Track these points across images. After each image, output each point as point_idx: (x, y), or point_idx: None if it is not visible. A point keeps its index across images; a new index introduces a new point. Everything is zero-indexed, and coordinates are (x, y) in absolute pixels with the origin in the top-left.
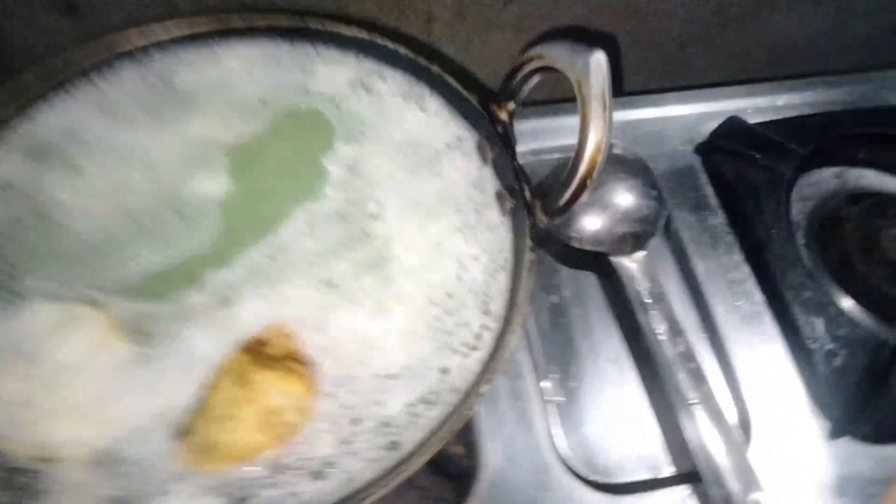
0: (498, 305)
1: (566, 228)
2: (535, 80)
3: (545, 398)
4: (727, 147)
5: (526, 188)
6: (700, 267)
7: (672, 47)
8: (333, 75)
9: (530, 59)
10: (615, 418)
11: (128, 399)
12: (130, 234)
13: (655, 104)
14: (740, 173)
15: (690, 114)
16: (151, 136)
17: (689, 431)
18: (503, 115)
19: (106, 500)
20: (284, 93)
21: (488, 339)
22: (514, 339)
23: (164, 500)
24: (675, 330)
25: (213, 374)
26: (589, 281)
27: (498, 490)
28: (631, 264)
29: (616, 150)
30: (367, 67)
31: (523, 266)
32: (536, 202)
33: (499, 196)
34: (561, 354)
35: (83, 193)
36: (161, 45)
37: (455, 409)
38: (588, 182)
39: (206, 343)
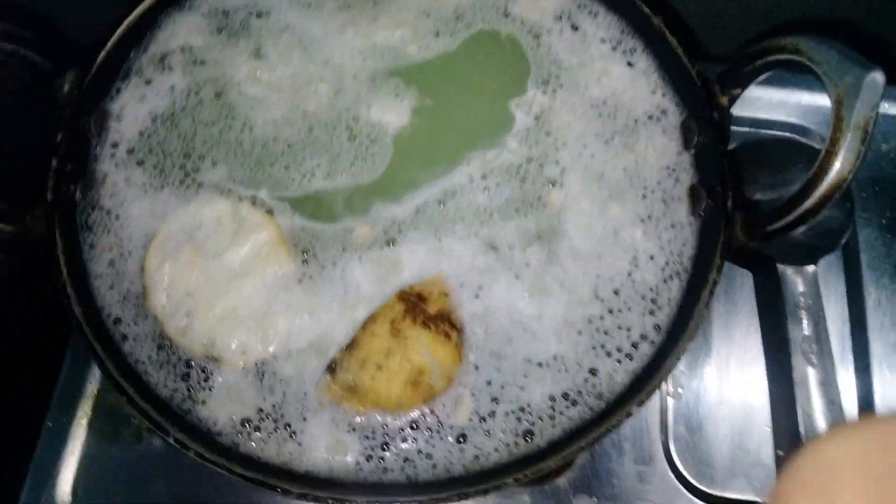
0: (664, 317)
1: None
2: (774, 71)
3: (668, 389)
4: None
5: (730, 195)
6: (872, 297)
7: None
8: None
9: (780, 48)
10: (733, 428)
11: (289, 318)
12: (305, 144)
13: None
14: None
15: None
16: (335, 28)
17: None
18: (724, 100)
19: (252, 409)
20: (483, 9)
21: (646, 351)
22: (677, 365)
23: (302, 424)
24: (824, 357)
25: (369, 315)
26: (744, 279)
27: (597, 468)
28: (796, 277)
29: (812, 142)
30: None
31: (705, 285)
32: (738, 215)
33: (693, 192)
34: (693, 348)
35: (264, 83)
36: None
37: (596, 419)
38: (813, 217)
39: (366, 280)
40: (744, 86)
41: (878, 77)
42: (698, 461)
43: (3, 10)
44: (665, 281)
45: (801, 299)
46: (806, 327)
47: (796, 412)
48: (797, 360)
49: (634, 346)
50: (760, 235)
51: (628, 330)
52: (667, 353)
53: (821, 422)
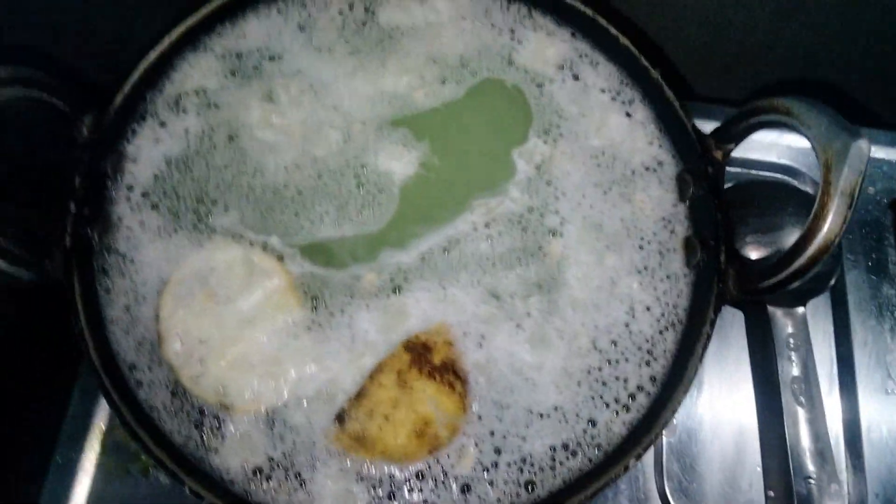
0: (660, 368)
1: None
2: (767, 129)
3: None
4: None
5: (723, 249)
6: (859, 338)
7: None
8: (543, 49)
9: (773, 109)
10: (725, 467)
11: (298, 365)
12: (314, 190)
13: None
14: None
15: None
16: (345, 73)
17: None
18: (718, 154)
19: (264, 458)
20: (488, 58)
21: (643, 402)
22: (672, 418)
23: (312, 473)
24: (814, 399)
25: (375, 364)
26: (735, 319)
27: None
28: (786, 318)
29: (802, 185)
30: (579, 48)
31: (699, 338)
32: (730, 270)
33: (688, 244)
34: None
35: (276, 128)
36: None
37: (595, 470)
38: (802, 276)
39: (372, 328)
40: (737, 141)
41: (863, 145)
42: (691, 500)
43: (25, 56)
44: (661, 332)
45: (791, 340)
46: (795, 368)
47: (786, 452)
48: (787, 400)
49: (631, 397)
50: (752, 291)
51: (625, 381)
52: (662, 405)
53: (809, 462)
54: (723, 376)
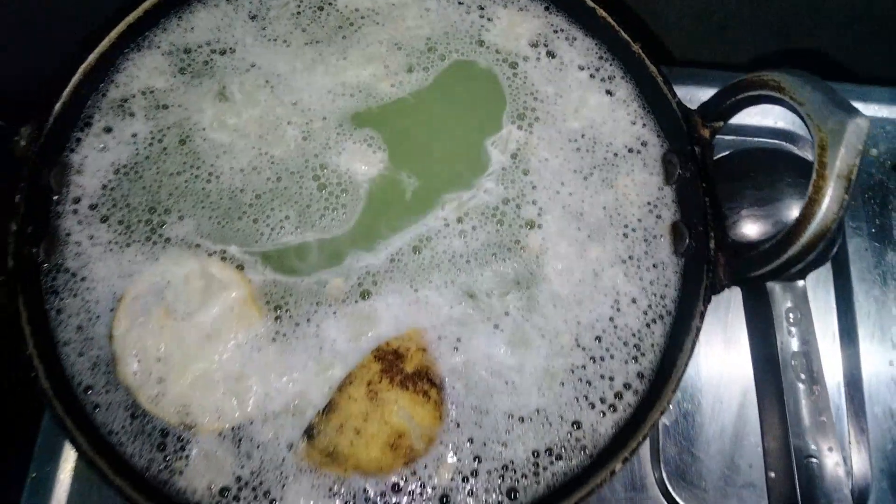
0: (648, 364)
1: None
2: (757, 105)
3: None
4: None
5: (712, 235)
6: (863, 308)
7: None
8: (515, 26)
9: (763, 84)
10: (723, 449)
11: (264, 380)
12: (273, 194)
13: (862, 98)
14: None
15: None
16: (303, 65)
17: (801, 486)
18: (705, 132)
19: (231, 477)
20: (456, 40)
21: (630, 401)
22: (660, 418)
23: (281, 491)
24: (815, 376)
25: (344, 375)
26: (733, 294)
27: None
28: (785, 293)
29: (802, 151)
30: (554, 23)
31: (689, 330)
32: (721, 256)
33: (675, 230)
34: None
35: (230, 128)
36: None
37: (581, 475)
38: (796, 264)
39: (341, 336)
40: (726, 118)
41: (861, 123)
42: (690, 485)
43: None
44: (648, 325)
45: (791, 315)
46: (795, 344)
47: (787, 432)
48: (787, 377)
49: (618, 395)
50: (744, 280)
51: (611, 379)
52: (651, 403)
53: (811, 441)
54: (721, 355)
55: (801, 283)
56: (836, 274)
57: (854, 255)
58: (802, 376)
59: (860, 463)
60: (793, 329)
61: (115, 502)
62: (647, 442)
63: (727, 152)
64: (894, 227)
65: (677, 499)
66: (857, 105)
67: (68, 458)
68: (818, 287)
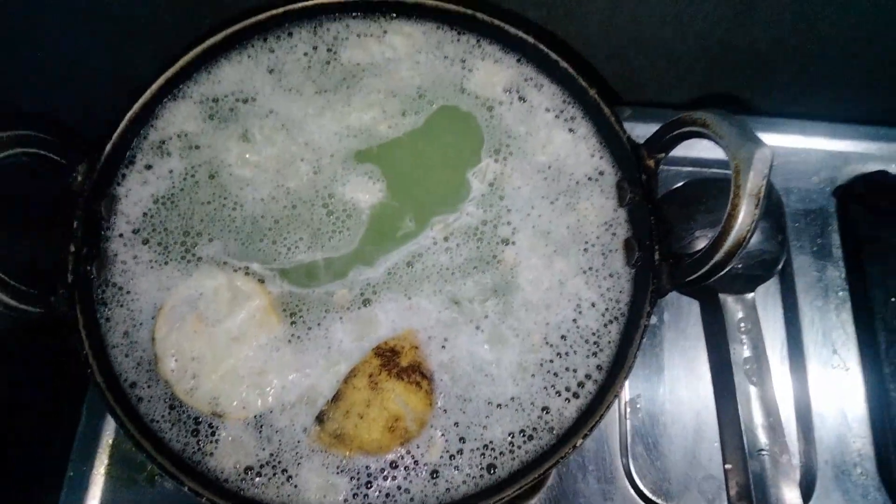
0: (605, 357)
1: (682, 251)
2: (692, 140)
3: (626, 413)
4: (869, 199)
5: (657, 248)
6: (806, 318)
7: (842, 75)
8: (491, 76)
9: (693, 122)
10: (685, 445)
11: (281, 375)
12: (289, 220)
13: (804, 132)
14: (875, 232)
15: (839, 150)
16: (314, 111)
17: (753, 478)
18: (650, 163)
19: (253, 458)
20: (442, 87)
21: (591, 389)
22: (615, 402)
23: (297, 468)
24: (764, 378)
25: (349, 369)
26: (691, 308)
27: (565, 489)
28: (737, 304)
29: None
30: (525, 72)
31: (638, 328)
32: (664, 266)
33: (627, 245)
34: (648, 374)
35: (252, 164)
36: (332, 9)
37: (549, 451)
38: (721, 269)
39: (346, 338)
40: (667, 150)
41: (766, 153)
42: (656, 477)
43: (25, 120)
44: (605, 325)
45: (742, 324)
46: (746, 350)
47: (741, 428)
48: (740, 380)
49: (580, 385)
50: (682, 285)
51: (574, 371)
52: (607, 389)
53: (762, 436)
54: (682, 361)
55: (750, 295)
56: (784, 287)
57: (798, 271)
58: (754, 379)
59: (807, 455)
60: (744, 337)
61: (142, 499)
62: (618, 439)
63: (684, 181)
64: (833, 246)
65: (644, 490)
66: (799, 138)
67: (102, 460)
68: (767, 299)
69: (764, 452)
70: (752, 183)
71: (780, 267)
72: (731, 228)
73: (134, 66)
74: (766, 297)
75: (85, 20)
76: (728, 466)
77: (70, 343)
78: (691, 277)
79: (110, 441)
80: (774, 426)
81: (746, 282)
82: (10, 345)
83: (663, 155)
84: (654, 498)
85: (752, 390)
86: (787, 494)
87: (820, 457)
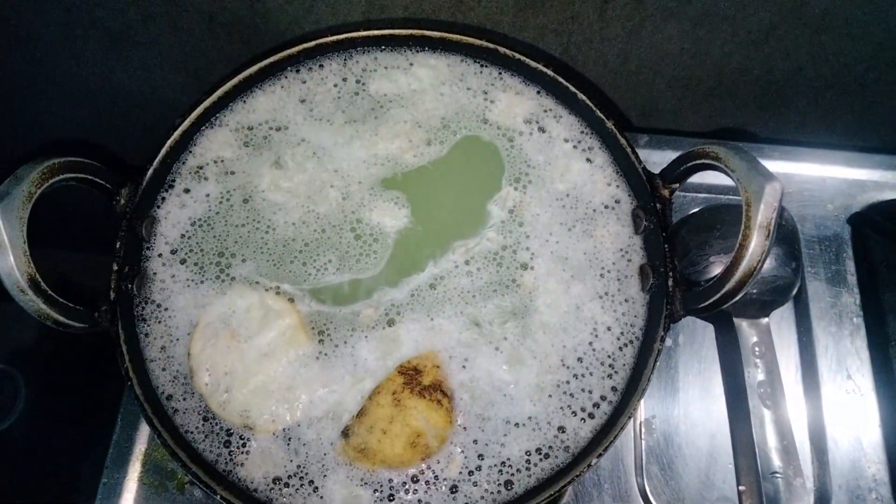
0: (620, 379)
1: (697, 276)
2: (703, 171)
3: (641, 433)
4: (884, 226)
5: (671, 275)
6: (820, 344)
7: (858, 104)
8: (513, 107)
9: (705, 155)
10: (699, 466)
11: (309, 391)
12: (318, 243)
13: (820, 160)
14: (890, 259)
15: (854, 179)
16: (343, 140)
17: (767, 500)
18: (665, 192)
19: (282, 469)
20: (465, 118)
21: (606, 410)
22: (629, 423)
23: (323, 480)
24: (778, 402)
25: (374, 387)
26: (706, 331)
27: None
28: (751, 329)
29: None
30: (544, 104)
31: (652, 352)
32: (677, 292)
33: (643, 271)
34: (663, 395)
35: (284, 190)
36: (361, 43)
37: (565, 469)
38: (733, 297)
39: (371, 356)
40: (681, 181)
41: (776, 186)
42: (670, 497)
43: (71, 148)
44: (621, 349)
45: (756, 349)
46: (761, 373)
47: (755, 450)
48: (754, 403)
49: (596, 405)
50: (695, 311)
51: (590, 392)
52: (622, 411)
53: (776, 459)
54: (696, 383)
55: (765, 320)
56: (798, 313)
57: (813, 297)
58: (768, 402)
59: (820, 479)
60: (758, 361)
61: None
62: (633, 459)
63: (699, 207)
64: (848, 273)
65: None
66: (814, 166)
67: (136, 467)
68: (782, 324)
69: (778, 475)
70: (763, 215)
71: (794, 292)
72: (742, 258)
73: (175, 95)
74: (781, 322)
75: (124, 49)
76: (742, 488)
77: (105, 358)
78: (704, 304)
79: (143, 449)
80: (788, 449)
81: (761, 307)
82: (53, 358)
83: (677, 185)
84: None
85: (767, 413)
86: None
87: (834, 481)
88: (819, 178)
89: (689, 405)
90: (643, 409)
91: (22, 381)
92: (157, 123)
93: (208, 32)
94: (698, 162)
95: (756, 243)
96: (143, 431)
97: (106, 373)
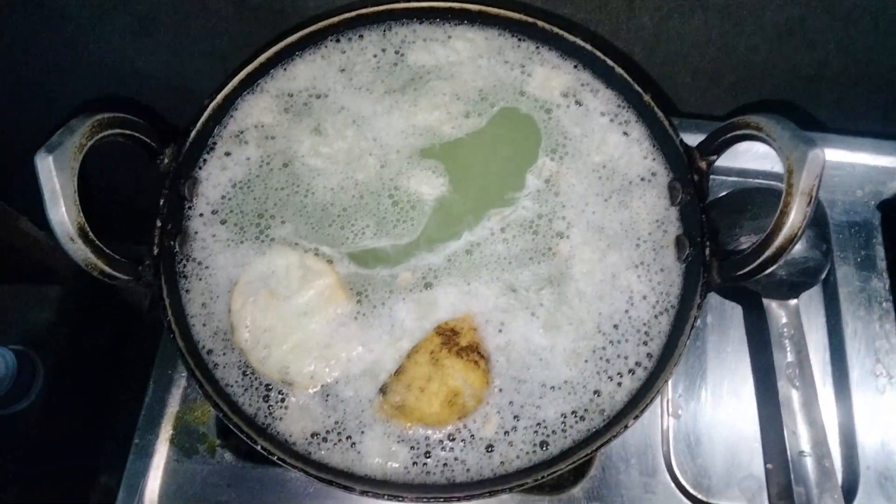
0: (655, 346)
1: None
2: (744, 143)
3: (668, 410)
4: None
5: (707, 244)
6: (849, 327)
7: (883, 99)
8: (549, 80)
9: (746, 125)
10: (726, 444)
11: (347, 349)
12: (357, 208)
13: (849, 147)
14: None
15: (884, 166)
16: (383, 109)
17: (795, 479)
18: (702, 164)
19: (320, 424)
20: (503, 90)
21: (641, 375)
22: (664, 387)
23: (360, 436)
24: (807, 383)
25: (411, 346)
26: (734, 312)
27: (607, 479)
28: (780, 310)
29: None
30: (581, 78)
31: (688, 319)
32: (714, 261)
33: (679, 242)
34: (690, 374)
35: (323, 156)
36: (400, 15)
37: (600, 430)
38: (771, 265)
39: (409, 317)
40: (719, 153)
41: (819, 153)
42: (696, 473)
43: (119, 104)
44: (656, 317)
45: (785, 330)
46: (789, 354)
47: (782, 430)
48: (782, 384)
49: (631, 371)
50: (731, 279)
51: (626, 358)
52: (657, 376)
53: (804, 439)
54: (724, 364)
55: (794, 301)
56: (827, 296)
57: (842, 281)
58: (796, 383)
59: (848, 461)
60: (787, 342)
61: (202, 468)
62: (660, 436)
63: (731, 190)
64: (878, 258)
65: (685, 484)
66: (844, 153)
67: (167, 429)
68: (811, 307)
69: (805, 455)
70: (805, 182)
71: (823, 275)
72: (782, 225)
73: (219, 62)
74: (810, 306)
75: (152, 31)
76: (769, 466)
77: (136, 324)
78: (741, 272)
79: (175, 412)
80: (816, 430)
81: (791, 288)
82: (70, 340)
83: (715, 157)
84: (694, 492)
85: (795, 394)
86: (828, 497)
87: (862, 462)
88: (849, 164)
89: (716, 384)
90: (670, 387)
91: (40, 362)
92: (202, 87)
93: (235, 16)
94: (738, 133)
95: (797, 210)
96: (175, 395)
97: (123, 358)
